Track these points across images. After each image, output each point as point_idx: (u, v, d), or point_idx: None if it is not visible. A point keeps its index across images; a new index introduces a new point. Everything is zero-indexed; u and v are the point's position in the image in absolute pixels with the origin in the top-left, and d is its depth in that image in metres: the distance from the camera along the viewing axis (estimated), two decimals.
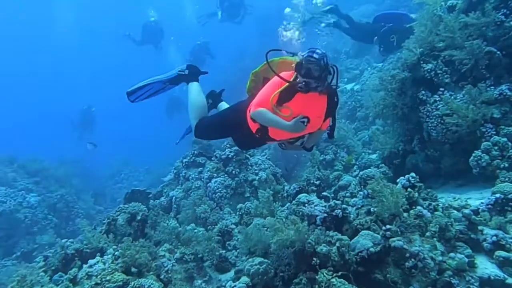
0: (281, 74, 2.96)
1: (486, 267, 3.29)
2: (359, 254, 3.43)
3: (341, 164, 7.86)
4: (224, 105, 3.93)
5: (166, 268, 4.46)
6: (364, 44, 10.70)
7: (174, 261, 4.69)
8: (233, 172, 7.78)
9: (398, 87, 5.53)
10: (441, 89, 5.07)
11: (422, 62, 5.24)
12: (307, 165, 7.87)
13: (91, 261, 4.41)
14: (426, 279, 3.16)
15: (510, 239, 3.41)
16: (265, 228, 4.76)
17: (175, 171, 9.00)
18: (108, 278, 3.98)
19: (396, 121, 5.87)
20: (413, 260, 3.24)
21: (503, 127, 4.54)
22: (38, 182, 12.33)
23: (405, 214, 3.72)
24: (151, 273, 4.33)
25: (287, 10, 10.07)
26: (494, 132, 4.56)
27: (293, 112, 2.95)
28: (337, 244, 3.40)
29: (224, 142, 8.30)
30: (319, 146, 8.17)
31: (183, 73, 3.83)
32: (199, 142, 8.52)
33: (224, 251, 5.32)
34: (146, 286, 3.97)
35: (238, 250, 5.26)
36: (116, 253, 4.39)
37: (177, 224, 6.49)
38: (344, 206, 4.24)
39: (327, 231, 3.72)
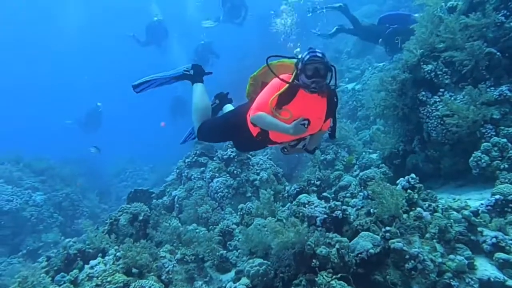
0: (281, 77, 2.96)
1: (486, 268, 3.29)
2: (359, 255, 3.44)
3: (341, 164, 7.88)
4: (229, 107, 3.92)
5: (167, 269, 4.49)
6: (368, 43, 10.74)
7: (175, 261, 4.72)
8: (235, 172, 7.82)
9: (399, 88, 5.54)
10: (441, 90, 5.08)
11: (422, 63, 5.24)
12: (308, 164, 7.91)
13: (92, 262, 4.44)
14: (425, 281, 3.17)
15: (510, 240, 3.41)
16: (266, 229, 4.79)
17: (177, 170, 9.05)
18: (109, 279, 4.00)
19: (397, 121, 5.87)
20: (412, 261, 3.25)
21: (502, 127, 4.54)
22: (44, 181, 12.49)
23: (404, 216, 3.74)
24: (152, 274, 4.36)
25: (283, 7, 10.21)
26: (494, 133, 4.57)
27: (292, 115, 2.94)
28: (337, 246, 3.42)
29: (226, 143, 8.33)
30: (320, 145, 8.18)
31: (188, 72, 3.84)
32: (201, 142, 8.56)
33: (225, 252, 5.34)
34: (146, 287, 4.00)
35: (239, 251, 5.29)
36: (118, 254, 4.42)
37: (179, 224, 6.53)
38: (344, 207, 4.25)
39: (327, 233, 3.73)
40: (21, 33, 38.26)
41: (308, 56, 2.83)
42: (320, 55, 2.82)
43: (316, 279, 3.24)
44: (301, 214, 4.46)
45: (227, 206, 7.20)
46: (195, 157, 8.59)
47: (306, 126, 2.93)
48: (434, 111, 5.04)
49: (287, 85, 2.90)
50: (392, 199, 3.74)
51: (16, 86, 40.09)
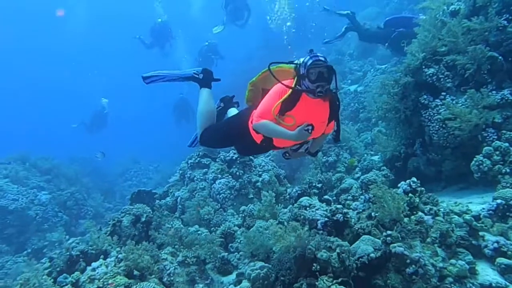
0: (284, 82, 2.93)
1: (487, 274, 3.28)
2: (360, 259, 3.44)
3: (343, 166, 7.88)
4: (233, 111, 3.91)
5: (168, 271, 4.50)
6: (370, 44, 10.90)
7: (176, 264, 4.73)
8: (237, 173, 7.84)
9: (401, 91, 5.55)
10: (443, 93, 5.08)
11: (424, 66, 5.25)
12: (310, 167, 7.92)
13: (94, 264, 4.45)
14: (427, 286, 3.16)
15: (511, 245, 3.42)
16: (267, 231, 4.81)
17: (180, 171, 9.09)
18: (110, 281, 4.02)
19: (398, 124, 5.88)
20: (413, 266, 3.25)
21: (504, 131, 4.55)
22: (49, 180, 12.59)
23: (406, 220, 3.74)
24: (154, 276, 4.37)
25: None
26: (496, 137, 4.57)
27: (296, 121, 2.92)
28: (338, 250, 3.42)
29: None
30: (322, 147, 8.19)
31: (197, 76, 3.85)
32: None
33: (226, 254, 5.36)
34: None
35: (240, 253, 5.30)
36: (120, 256, 4.43)
37: (181, 225, 6.55)
38: (345, 210, 4.26)
39: (328, 237, 3.74)
40: (28, 35, 38.62)
41: (311, 61, 2.80)
42: (322, 58, 2.81)
43: (316, 283, 3.25)
44: (302, 217, 4.47)
45: (229, 208, 7.22)
46: (198, 158, 8.63)
47: (310, 131, 2.89)
48: (435, 114, 5.05)
49: (290, 91, 2.87)
50: (393, 203, 3.75)
51: (23, 87, 40.57)
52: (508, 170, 4.27)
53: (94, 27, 37.51)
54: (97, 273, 4.22)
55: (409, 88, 5.46)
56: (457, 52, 5.00)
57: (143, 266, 4.31)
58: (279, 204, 5.96)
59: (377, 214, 3.92)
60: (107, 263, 4.40)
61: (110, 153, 15.00)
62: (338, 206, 4.35)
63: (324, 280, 3.17)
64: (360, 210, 4.36)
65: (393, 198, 3.78)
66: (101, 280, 4.05)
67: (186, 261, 4.81)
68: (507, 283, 3.12)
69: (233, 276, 4.90)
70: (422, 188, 4.22)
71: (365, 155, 7.98)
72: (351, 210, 4.51)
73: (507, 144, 4.39)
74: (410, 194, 4.02)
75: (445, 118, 4.86)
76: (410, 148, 5.83)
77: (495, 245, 3.41)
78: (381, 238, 3.60)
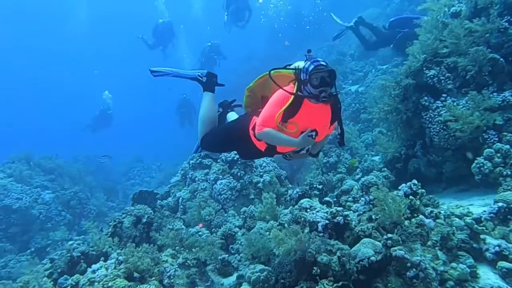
0: (285, 88, 2.89)
1: (488, 277, 3.26)
2: (360, 262, 3.43)
3: (344, 166, 7.87)
4: (233, 115, 3.90)
5: (168, 274, 4.50)
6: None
7: (176, 266, 4.73)
8: (238, 174, 7.84)
9: (402, 93, 5.54)
10: (443, 95, 5.07)
11: (425, 68, 5.24)
12: (312, 167, 7.92)
13: (94, 266, 4.45)
14: None
15: None
16: (268, 233, 4.80)
17: (182, 172, 9.10)
18: (110, 284, 4.01)
19: (399, 125, 5.87)
20: (414, 269, 3.24)
21: (506, 133, 4.53)
22: (53, 179, 12.65)
23: (406, 223, 3.74)
24: (154, 278, 4.37)
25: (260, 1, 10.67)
26: (497, 139, 4.56)
27: (299, 127, 2.91)
28: (338, 254, 3.41)
29: None
30: (323, 148, 8.19)
31: (200, 79, 3.85)
32: None
33: (227, 255, 5.36)
34: None
35: (241, 255, 5.30)
36: (120, 258, 4.43)
37: (183, 226, 6.56)
38: (346, 212, 4.25)
39: (328, 240, 3.74)
40: (30, 36, 38.81)
41: (313, 66, 2.77)
42: (324, 63, 2.79)
43: (317, 287, 3.25)
44: (303, 219, 4.47)
45: (230, 209, 7.23)
46: (199, 159, 8.62)
47: (314, 137, 2.88)
48: (436, 116, 5.04)
49: (292, 97, 2.84)
50: (394, 205, 3.74)
51: (27, 87, 40.80)
52: (509, 173, 4.27)
53: (96, 27, 37.64)
54: (97, 275, 4.22)
55: (410, 89, 5.45)
56: (458, 54, 4.99)
57: (143, 268, 4.31)
58: (280, 206, 5.96)
59: (377, 217, 3.92)
60: (107, 265, 4.40)
61: (114, 152, 15.09)
62: (339, 208, 4.34)
63: (325, 284, 3.17)
64: (361, 212, 4.35)
65: (394, 201, 3.77)
66: (101, 283, 4.05)
67: (186, 263, 4.80)
68: (509, 287, 3.11)
69: (233, 278, 4.90)
70: (423, 190, 4.22)
71: (366, 155, 7.97)
72: (351, 211, 4.51)
73: (508, 146, 4.37)
74: (410, 197, 4.02)
75: (446, 120, 4.85)
76: (410, 150, 5.83)
77: (497, 248, 3.39)
78: (382, 241, 3.59)
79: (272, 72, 3.04)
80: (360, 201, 4.77)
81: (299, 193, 5.85)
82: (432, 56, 5.25)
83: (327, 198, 5.52)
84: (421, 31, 5.42)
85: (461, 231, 3.67)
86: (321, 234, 4.04)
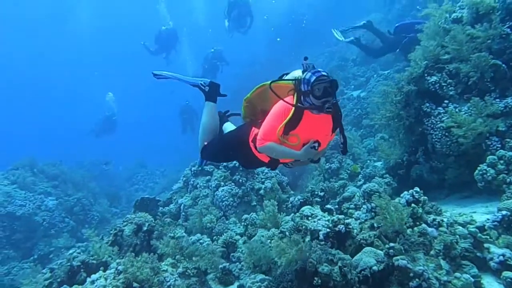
0: (286, 99, 2.85)
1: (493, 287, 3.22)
2: (362, 272, 3.38)
3: (346, 172, 7.83)
4: (229, 126, 3.87)
5: (168, 283, 4.46)
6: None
7: (176, 275, 4.69)
8: (240, 180, 7.82)
9: (404, 99, 5.51)
10: (445, 101, 5.03)
11: (426, 74, 5.21)
12: (314, 173, 7.89)
13: (93, 276, 4.41)
14: None
15: None
16: (269, 241, 4.76)
17: (184, 178, 9.09)
18: None
19: (401, 132, 5.83)
20: (417, 280, 3.18)
21: (508, 140, 4.48)
22: (56, 186, 12.68)
23: (409, 231, 3.69)
24: None
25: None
26: (500, 146, 4.51)
27: (301, 139, 2.89)
28: (339, 264, 3.37)
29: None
30: (325, 153, 8.15)
31: (203, 87, 3.84)
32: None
33: (228, 264, 5.31)
34: None
35: (242, 263, 5.26)
36: (119, 267, 4.39)
37: (184, 234, 6.52)
38: (347, 221, 4.20)
39: (329, 249, 3.70)
40: (29, 36, 39.02)
41: (314, 77, 2.73)
42: (325, 73, 2.76)
43: None
44: (304, 227, 4.43)
45: (231, 215, 7.19)
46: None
47: (316, 148, 2.87)
48: (438, 122, 5.00)
49: (293, 109, 2.80)
50: (396, 214, 3.70)
51: (31, 93, 41.02)
52: None
53: (97, 29, 37.81)
54: (96, 285, 4.18)
55: (411, 96, 5.42)
56: (460, 60, 4.96)
57: (143, 278, 4.26)
58: (282, 213, 5.92)
59: (379, 225, 3.87)
60: (106, 276, 4.36)
61: (117, 157, 15.10)
62: (340, 216, 4.30)
63: None
64: (363, 220, 4.30)
65: (396, 209, 3.73)
66: None
67: (186, 273, 4.76)
68: None
69: (234, 287, 4.86)
70: (425, 198, 4.17)
71: (368, 161, 7.93)
72: (353, 219, 4.46)
73: (511, 153, 4.32)
74: (413, 205, 3.97)
75: (448, 126, 4.81)
76: (413, 156, 5.78)
77: (501, 258, 3.33)
78: (384, 250, 3.55)
79: (267, 82, 3.03)
80: (362, 208, 4.71)
81: (301, 200, 5.82)
82: (434, 62, 5.22)
83: (328, 206, 5.48)
84: (422, 37, 5.39)
85: (464, 240, 3.60)
86: (323, 242, 3.99)
